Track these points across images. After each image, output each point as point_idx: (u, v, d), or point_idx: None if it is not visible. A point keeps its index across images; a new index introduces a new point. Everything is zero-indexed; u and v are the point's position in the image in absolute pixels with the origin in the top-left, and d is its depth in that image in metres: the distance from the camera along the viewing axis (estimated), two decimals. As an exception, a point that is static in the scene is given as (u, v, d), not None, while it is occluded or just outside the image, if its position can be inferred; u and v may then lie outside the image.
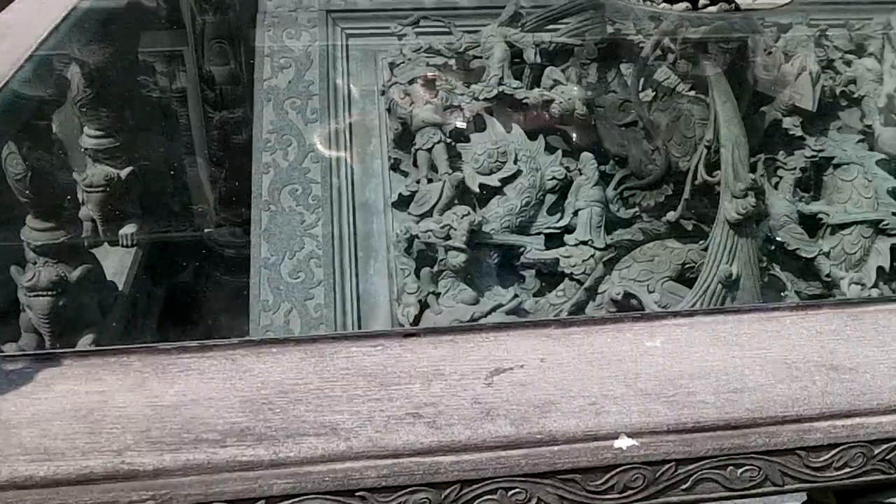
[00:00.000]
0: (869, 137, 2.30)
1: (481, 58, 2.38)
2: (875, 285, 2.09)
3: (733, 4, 2.04)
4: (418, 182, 2.12)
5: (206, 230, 2.84)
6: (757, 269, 1.88)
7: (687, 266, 2.07)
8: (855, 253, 2.15)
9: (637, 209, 2.14)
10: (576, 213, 2.08)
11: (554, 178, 2.16)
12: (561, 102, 2.14)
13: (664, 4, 2.06)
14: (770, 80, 2.22)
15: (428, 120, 2.10)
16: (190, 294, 2.77)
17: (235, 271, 2.46)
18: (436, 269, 1.96)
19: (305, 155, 2.22)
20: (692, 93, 2.07)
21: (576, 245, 2.04)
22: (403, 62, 2.34)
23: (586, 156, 2.12)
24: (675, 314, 1.29)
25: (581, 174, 2.11)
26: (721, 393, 1.15)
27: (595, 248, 2.03)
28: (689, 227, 2.08)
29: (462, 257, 1.94)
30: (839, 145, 2.25)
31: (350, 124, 2.32)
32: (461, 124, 2.21)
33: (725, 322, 1.29)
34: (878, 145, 2.28)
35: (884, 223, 2.15)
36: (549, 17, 2.38)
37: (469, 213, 1.99)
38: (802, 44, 2.38)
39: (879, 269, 2.15)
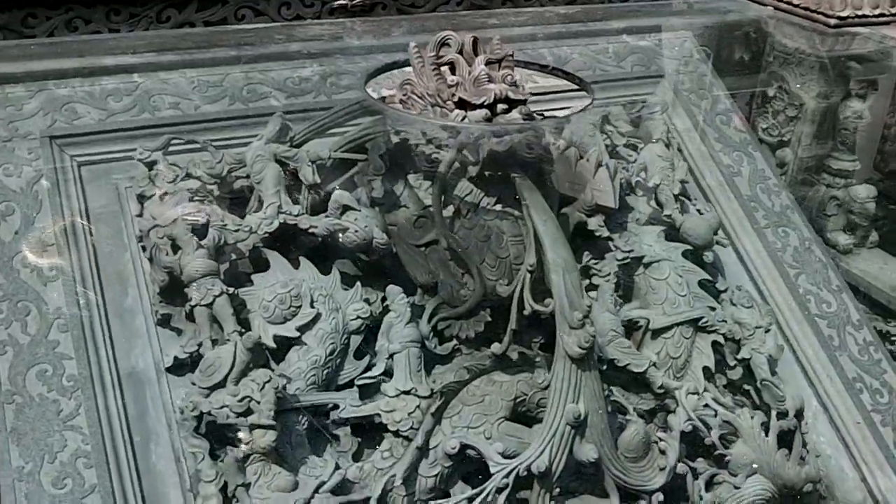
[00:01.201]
0: (670, 228, 2.37)
1: (247, 178, 2.20)
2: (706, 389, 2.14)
3: (529, 112, 2.02)
4: (200, 345, 1.89)
5: None
6: (603, 400, 1.84)
7: (519, 400, 2.01)
8: (679, 357, 2.19)
9: (456, 342, 2.04)
10: (391, 357, 1.95)
11: (358, 317, 2.01)
12: (356, 231, 2.00)
13: (457, 112, 2.00)
14: (569, 180, 2.23)
15: (203, 270, 1.88)
16: None
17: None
18: (239, 453, 1.74)
19: (51, 324, 1.91)
20: (498, 207, 2.02)
21: (396, 396, 1.90)
22: (156, 194, 2.10)
23: (393, 290, 2.00)
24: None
25: (390, 311, 1.98)
26: None
27: (419, 396, 1.90)
28: (514, 356, 2.02)
29: (271, 436, 1.73)
30: (643, 240, 2.30)
31: (99, 276, 2.04)
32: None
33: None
34: (681, 235, 2.36)
35: (703, 320, 2.22)
36: (321, 128, 2.25)
37: (271, 379, 1.79)
38: (589, 133, 2.43)
39: (705, 369, 2.21)
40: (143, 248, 2.04)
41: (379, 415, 1.89)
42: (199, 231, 1.94)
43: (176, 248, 1.95)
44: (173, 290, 1.96)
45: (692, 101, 2.83)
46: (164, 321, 2.00)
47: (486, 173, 2.00)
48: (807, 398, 2.33)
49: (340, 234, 2.02)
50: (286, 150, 2.16)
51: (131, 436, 1.87)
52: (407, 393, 1.90)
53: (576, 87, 2.30)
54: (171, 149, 2.19)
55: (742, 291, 2.35)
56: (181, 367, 1.95)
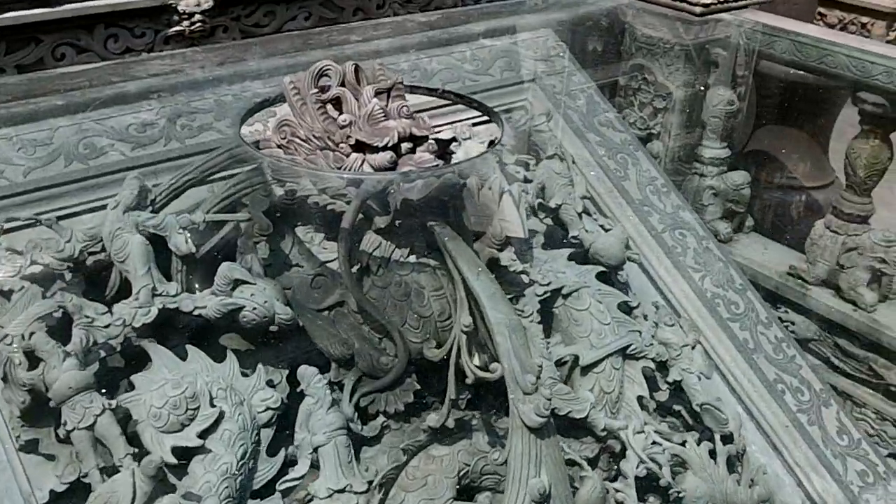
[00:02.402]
0: (578, 249, 2.22)
1: (103, 255, 1.86)
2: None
3: (434, 151, 1.80)
4: (86, 475, 1.56)
5: None
6: (564, 469, 1.66)
7: (462, 473, 1.80)
8: (612, 391, 2.04)
9: (383, 418, 1.80)
10: (315, 451, 1.68)
11: (267, 408, 1.73)
12: (255, 308, 1.71)
13: (355, 156, 1.75)
14: (474, 213, 2.02)
15: (76, 386, 1.54)
16: None
17: None
18: None
19: None
20: (413, 259, 1.79)
21: (329, 496, 1.64)
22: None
23: (306, 371, 1.72)
24: None
25: (306, 395, 1.71)
26: None
27: (355, 493, 1.65)
28: (451, 424, 1.80)
29: (195, 580, 1.45)
30: (554, 268, 2.13)
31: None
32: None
33: None
34: (592, 256, 2.21)
35: (631, 347, 2.08)
36: (185, 185, 1.94)
37: (181, 508, 1.50)
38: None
39: (639, 398, 2.08)
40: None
41: (312, 523, 1.64)
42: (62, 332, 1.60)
43: (35, 359, 1.60)
44: (39, 412, 1.62)
45: (567, 105, 2.69)
46: (29, 447, 1.65)
47: (397, 223, 1.77)
48: (731, 406, 2.26)
49: (232, 314, 1.73)
50: (149, 217, 1.82)
51: None
52: (341, 491, 1.64)
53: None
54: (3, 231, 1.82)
55: (663, 309, 2.23)
56: (60, 502, 1.62)
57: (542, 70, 2.74)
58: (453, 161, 1.81)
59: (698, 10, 2.90)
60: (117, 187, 1.93)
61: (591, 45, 2.97)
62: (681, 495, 1.94)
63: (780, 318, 2.87)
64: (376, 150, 1.72)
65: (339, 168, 1.74)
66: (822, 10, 4.64)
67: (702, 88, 2.97)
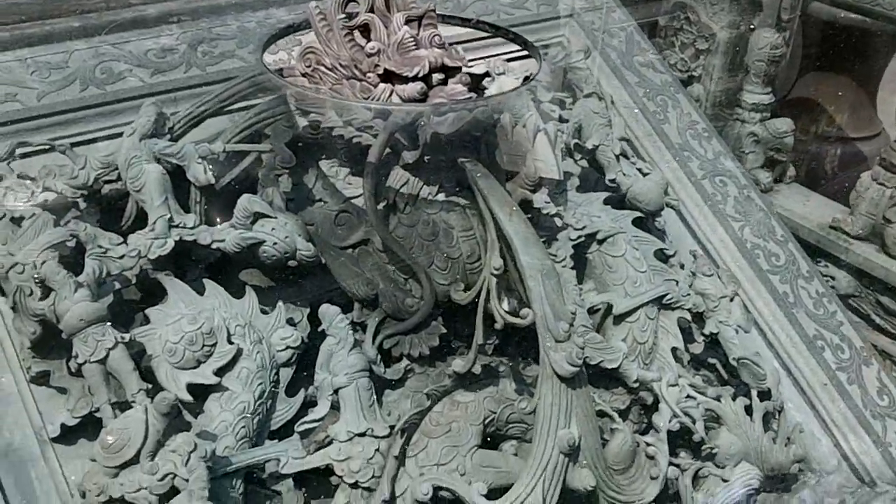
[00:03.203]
0: (614, 193, 2.14)
1: (118, 182, 1.79)
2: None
3: (467, 83, 1.71)
4: (97, 410, 1.51)
5: None
6: (595, 420, 1.60)
7: (488, 420, 1.74)
8: (646, 341, 1.97)
9: (407, 361, 1.74)
10: (335, 393, 1.63)
11: (287, 346, 1.68)
12: (275, 244, 1.65)
13: (383, 86, 1.66)
14: (507, 152, 1.94)
15: (88, 317, 1.49)
16: None
17: None
18: (169, 546, 1.40)
19: None
20: (442, 197, 1.71)
21: (349, 440, 1.59)
22: (5, 217, 1.67)
23: (328, 311, 1.66)
24: None
25: (328, 335, 1.65)
26: None
27: (376, 437, 1.60)
28: (477, 369, 1.73)
29: (209, 520, 1.40)
30: (589, 212, 2.05)
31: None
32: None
33: None
34: (629, 201, 2.12)
35: (667, 297, 2.00)
36: (205, 112, 1.86)
37: (196, 447, 1.44)
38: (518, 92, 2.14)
39: (674, 350, 2.00)
40: (1, 291, 1.63)
41: (331, 465, 1.58)
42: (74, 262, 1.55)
43: (46, 288, 1.55)
44: (53, 342, 1.57)
45: (606, 43, 2.58)
46: (40, 379, 1.61)
47: (426, 158, 1.69)
48: (768, 361, 2.19)
49: (252, 248, 1.67)
50: (167, 145, 1.76)
51: (18, 534, 1.49)
52: (362, 435, 1.59)
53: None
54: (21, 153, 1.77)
55: (701, 258, 2.15)
56: (71, 436, 1.58)
57: (581, 6, 2.63)
58: (486, 95, 1.73)
59: (746, -54, 2.78)
60: (134, 114, 1.86)
61: (631, -20, 2.86)
62: (714, 451, 1.87)
63: (820, 273, 2.79)
64: (406, 80, 1.64)
65: (366, 99, 1.66)
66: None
67: (751, 27, 2.84)
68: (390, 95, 1.64)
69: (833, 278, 2.84)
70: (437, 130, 1.64)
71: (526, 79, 1.81)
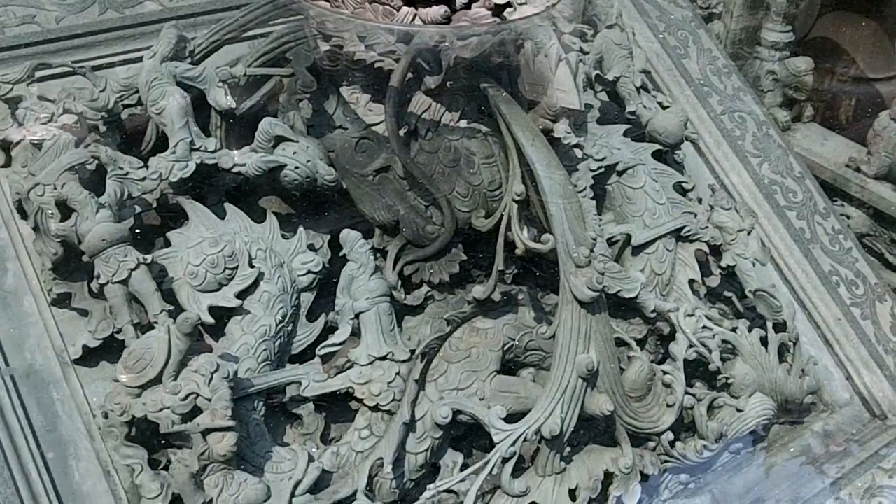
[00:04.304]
0: (634, 126, 2.09)
1: (138, 107, 1.75)
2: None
3: (490, 8, 1.65)
4: (119, 332, 1.49)
5: None
6: (613, 347, 1.57)
7: (507, 347, 1.72)
8: (664, 272, 1.94)
9: (427, 288, 1.72)
10: (356, 317, 1.61)
11: (308, 271, 1.65)
12: (297, 167, 1.61)
13: (406, 10, 1.61)
14: (529, 81, 1.89)
15: (110, 238, 1.46)
16: None
17: None
18: (193, 464, 1.38)
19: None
20: (463, 124, 1.67)
21: (370, 363, 1.57)
22: (26, 139, 1.64)
23: (349, 235, 1.63)
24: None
25: (348, 261, 1.63)
26: None
27: (396, 361, 1.58)
28: (497, 297, 1.71)
29: (230, 440, 1.38)
30: (609, 143, 2.01)
31: (-36, 251, 1.59)
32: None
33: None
34: (649, 134, 2.08)
35: (685, 229, 1.97)
36: (225, 37, 1.81)
37: (218, 367, 1.42)
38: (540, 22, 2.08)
39: (691, 282, 1.98)
40: (22, 212, 1.60)
41: (351, 389, 1.57)
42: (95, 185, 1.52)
43: (67, 209, 1.52)
44: (72, 263, 1.55)
45: (626, -26, 2.51)
46: (62, 301, 1.58)
47: (448, 84, 1.64)
48: (784, 296, 2.16)
49: (273, 171, 1.63)
50: (187, 68, 1.71)
51: (42, 452, 1.47)
52: (382, 359, 1.57)
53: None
54: (41, 76, 1.72)
55: (719, 192, 2.11)
56: (93, 358, 1.56)
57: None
58: (510, 19, 1.67)
59: None
60: (153, 39, 1.82)
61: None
62: (729, 381, 1.85)
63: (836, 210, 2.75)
64: (429, 3, 1.59)
65: (389, 22, 1.61)
66: None
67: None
68: (413, 18, 1.60)
69: (848, 217, 2.80)
70: (459, 54, 1.59)
71: (551, 7, 1.76)
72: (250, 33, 1.83)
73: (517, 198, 1.55)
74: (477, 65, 1.63)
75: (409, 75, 1.65)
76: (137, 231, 1.63)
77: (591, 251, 1.52)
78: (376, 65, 1.71)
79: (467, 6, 1.61)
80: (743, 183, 2.29)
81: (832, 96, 3.25)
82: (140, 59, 1.79)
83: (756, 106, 2.44)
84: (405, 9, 1.60)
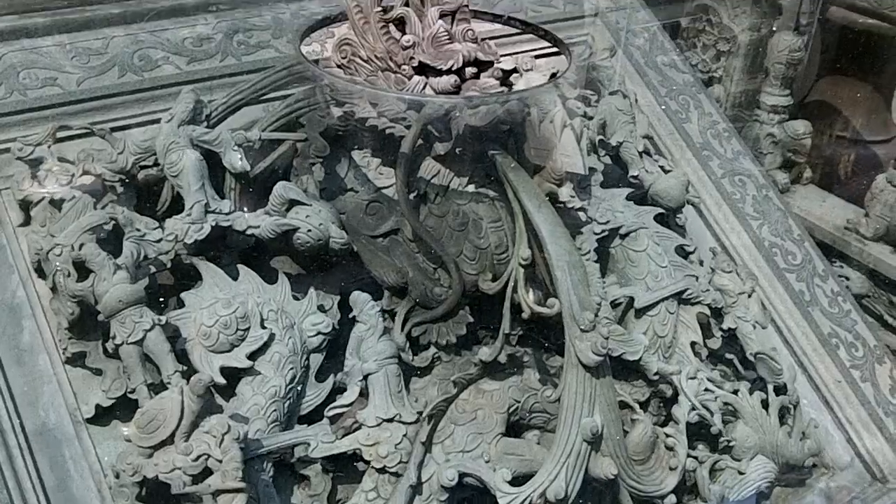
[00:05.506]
0: (637, 189, 2.12)
1: (155, 167, 1.78)
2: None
3: (499, 77, 1.69)
4: (133, 391, 1.51)
5: None
6: (617, 410, 1.58)
7: (512, 409, 1.73)
8: (666, 335, 1.96)
9: (435, 349, 1.73)
10: (364, 379, 1.62)
11: (318, 332, 1.67)
12: (309, 230, 1.64)
13: (417, 79, 1.65)
14: (534, 146, 1.92)
15: (127, 299, 1.48)
16: None
17: None
18: (202, 525, 1.39)
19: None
20: (471, 189, 1.70)
21: (378, 425, 1.58)
22: (45, 199, 1.67)
23: (359, 297, 1.65)
24: None
25: (358, 322, 1.65)
26: None
27: (404, 423, 1.59)
28: (503, 358, 1.72)
29: (241, 501, 1.39)
30: (613, 206, 2.04)
31: (-17, 308, 1.61)
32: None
33: None
34: (651, 197, 2.11)
35: (687, 292, 1.99)
36: (241, 101, 1.85)
37: (229, 428, 1.43)
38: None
39: (692, 344, 1.99)
40: (40, 272, 1.62)
41: (359, 450, 1.58)
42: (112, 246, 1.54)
43: (85, 270, 1.54)
44: (88, 324, 1.56)
45: (630, 42, 2.56)
46: (76, 360, 1.60)
47: (457, 150, 1.68)
48: (784, 358, 2.17)
49: (287, 234, 1.66)
50: (204, 132, 1.75)
51: (52, 511, 1.49)
52: (390, 421, 1.58)
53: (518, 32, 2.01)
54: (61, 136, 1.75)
55: (720, 255, 2.14)
56: (105, 417, 1.58)
57: (606, 5, 2.61)
58: (517, 89, 1.71)
59: (770, -49, 2.76)
60: (171, 101, 1.86)
61: (653, -19, 2.83)
62: (731, 444, 1.86)
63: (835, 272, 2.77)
64: (439, 73, 1.63)
65: (400, 90, 1.65)
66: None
67: (771, 30, 2.82)
68: (424, 87, 1.63)
69: (847, 278, 2.83)
70: (468, 123, 1.63)
71: (554, 75, 1.80)
72: (266, 97, 1.88)
73: (523, 262, 1.57)
74: (485, 132, 1.66)
75: (420, 141, 1.68)
76: (151, 290, 1.65)
77: (596, 315, 1.53)
78: (387, 131, 1.74)
79: (476, 76, 1.65)
80: (743, 245, 2.31)
81: (830, 158, 3.29)
82: (157, 121, 1.83)
83: (755, 169, 2.47)
84: (416, 77, 1.64)
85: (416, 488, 1.56)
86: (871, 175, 2.96)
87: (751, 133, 2.94)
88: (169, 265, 1.67)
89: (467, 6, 1.74)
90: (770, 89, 2.93)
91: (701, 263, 2.11)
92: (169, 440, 1.43)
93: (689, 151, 2.40)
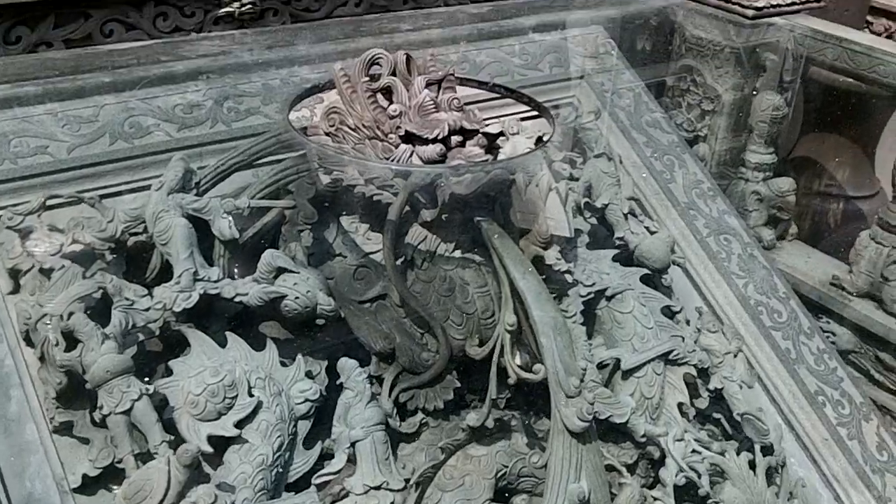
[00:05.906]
0: (623, 251, 2.14)
1: (145, 237, 1.80)
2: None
3: (483, 145, 1.72)
4: (120, 461, 1.51)
5: None
6: (604, 475, 1.59)
7: (500, 474, 1.73)
8: (653, 396, 1.96)
9: (422, 415, 1.73)
10: (352, 446, 1.62)
11: (306, 399, 1.68)
12: (297, 298, 1.65)
13: (404, 147, 1.67)
14: (520, 210, 1.95)
15: (115, 369, 1.49)
16: None
17: None
18: None
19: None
20: (458, 254, 1.72)
21: (365, 493, 1.58)
22: (34, 268, 1.68)
23: (347, 364, 1.66)
24: None
25: (346, 389, 1.65)
26: None
27: (392, 490, 1.59)
28: (490, 424, 1.73)
29: (227, 574, 1.39)
30: (599, 268, 2.06)
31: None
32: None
33: None
34: (637, 258, 2.13)
35: (673, 353, 2.00)
36: (230, 169, 1.88)
37: (216, 499, 1.43)
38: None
39: (679, 405, 2.00)
40: (28, 341, 1.63)
41: (347, 519, 1.57)
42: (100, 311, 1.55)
43: (73, 340, 1.55)
44: (77, 394, 1.57)
45: (615, 104, 2.60)
46: (63, 429, 1.60)
47: (443, 217, 1.70)
48: (771, 416, 2.18)
49: (275, 302, 1.67)
50: (193, 199, 1.77)
51: (40, 584, 1.48)
52: (378, 488, 1.58)
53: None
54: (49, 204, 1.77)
55: (706, 315, 2.15)
56: (92, 486, 1.57)
57: (591, 67, 2.65)
58: (501, 156, 1.74)
59: (750, 13, 2.79)
60: (161, 168, 1.89)
61: (640, 43, 2.87)
62: (718, 507, 1.87)
63: (821, 329, 2.78)
64: (426, 141, 1.65)
65: (388, 159, 1.68)
66: (869, 17, 4.50)
67: (754, 92, 2.86)
68: (410, 156, 1.66)
69: (833, 334, 2.83)
70: (454, 191, 1.65)
71: (539, 140, 1.83)
72: (255, 163, 1.90)
73: (509, 328, 1.59)
74: (470, 199, 1.68)
75: (407, 208, 1.71)
76: (140, 357, 1.66)
77: (581, 381, 1.54)
78: (375, 197, 1.77)
79: (462, 144, 1.68)
80: (729, 304, 2.33)
81: (815, 215, 3.33)
82: (148, 187, 1.86)
83: (740, 227, 2.49)
84: (403, 146, 1.66)
85: (405, 557, 1.56)
86: (855, 230, 2.99)
87: (736, 190, 2.98)
88: (157, 333, 1.67)
89: (453, 75, 1.78)
90: (754, 147, 2.96)
91: (687, 323, 2.12)
92: (155, 512, 1.43)
93: (674, 211, 2.42)
